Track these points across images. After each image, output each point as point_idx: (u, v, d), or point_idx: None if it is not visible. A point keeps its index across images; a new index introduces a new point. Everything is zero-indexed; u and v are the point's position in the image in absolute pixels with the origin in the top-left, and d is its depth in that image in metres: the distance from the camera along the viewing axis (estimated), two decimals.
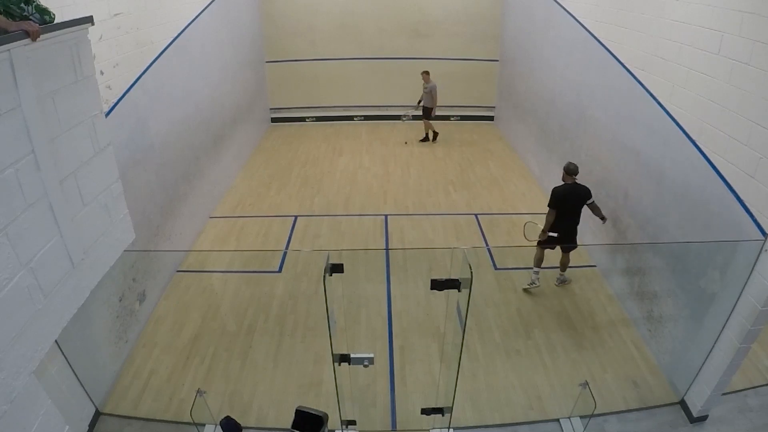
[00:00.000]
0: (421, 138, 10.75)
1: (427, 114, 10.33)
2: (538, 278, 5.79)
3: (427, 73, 10.05)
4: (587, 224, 6.69)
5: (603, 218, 5.67)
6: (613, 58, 5.93)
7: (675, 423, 4.29)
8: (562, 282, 5.98)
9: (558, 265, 5.90)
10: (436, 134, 10.77)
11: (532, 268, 5.80)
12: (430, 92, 10.05)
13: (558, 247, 5.76)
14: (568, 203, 5.52)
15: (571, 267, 5.87)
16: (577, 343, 5.09)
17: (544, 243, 5.67)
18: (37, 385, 2.39)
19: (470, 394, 4.49)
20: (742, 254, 3.75)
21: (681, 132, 4.63)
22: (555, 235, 5.51)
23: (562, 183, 5.62)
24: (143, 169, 5.36)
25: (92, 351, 4.36)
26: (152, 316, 5.47)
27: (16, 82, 2.08)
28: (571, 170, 5.56)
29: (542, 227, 5.58)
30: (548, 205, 5.56)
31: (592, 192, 5.57)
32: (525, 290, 5.83)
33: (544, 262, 5.78)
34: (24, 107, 2.12)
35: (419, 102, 10.37)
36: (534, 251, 5.78)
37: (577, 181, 5.57)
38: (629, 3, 5.62)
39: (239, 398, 4.48)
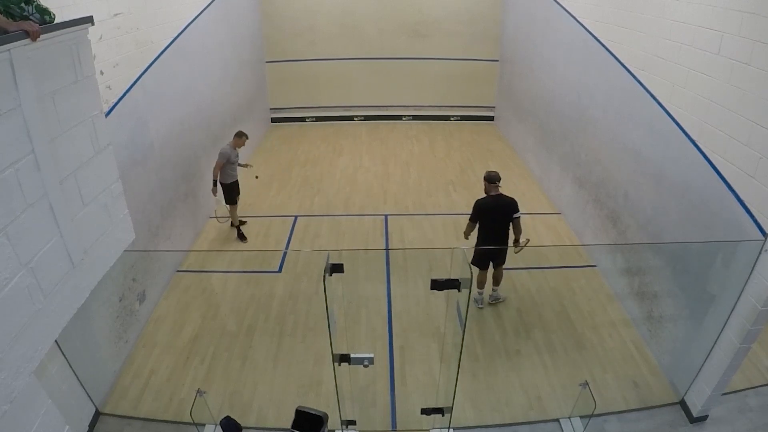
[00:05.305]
0: (237, 233, 7.03)
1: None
2: (481, 299, 5.53)
3: (240, 135, 6.73)
4: (587, 223, 6.71)
5: (517, 241, 5.08)
6: (613, 58, 5.93)
7: (675, 423, 4.28)
8: (496, 300, 5.58)
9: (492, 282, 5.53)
10: (241, 224, 7.19)
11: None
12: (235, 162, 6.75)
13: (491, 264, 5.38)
14: (491, 216, 5.04)
15: (571, 267, 5.85)
16: (577, 343, 5.09)
17: (477, 263, 5.27)
18: (37, 385, 2.40)
19: (470, 394, 4.49)
20: (742, 254, 3.75)
21: (681, 132, 4.63)
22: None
23: (485, 195, 5.13)
24: (143, 169, 5.36)
25: (92, 351, 4.36)
26: (152, 316, 5.46)
27: (16, 82, 2.08)
28: (492, 178, 5.01)
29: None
30: (470, 219, 5.10)
31: (518, 204, 5.09)
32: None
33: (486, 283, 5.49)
34: (24, 107, 2.12)
35: (245, 165, 7.13)
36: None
37: (502, 192, 5.13)
38: (629, 3, 5.61)
39: (239, 398, 4.48)
